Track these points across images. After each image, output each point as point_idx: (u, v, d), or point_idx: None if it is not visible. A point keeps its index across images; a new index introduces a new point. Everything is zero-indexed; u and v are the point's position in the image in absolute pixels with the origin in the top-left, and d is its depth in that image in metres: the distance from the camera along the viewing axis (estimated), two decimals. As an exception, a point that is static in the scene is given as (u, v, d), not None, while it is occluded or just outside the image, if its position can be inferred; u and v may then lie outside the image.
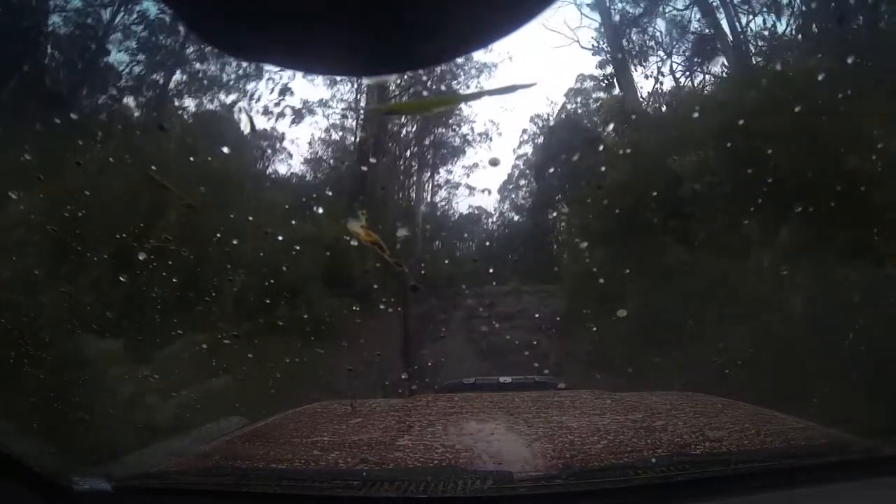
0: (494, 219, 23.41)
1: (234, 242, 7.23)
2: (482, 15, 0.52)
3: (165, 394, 5.03)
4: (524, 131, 22.26)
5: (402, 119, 16.70)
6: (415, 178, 20.00)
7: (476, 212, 22.95)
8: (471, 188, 21.69)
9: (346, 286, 9.26)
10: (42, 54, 12.54)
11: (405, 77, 14.32)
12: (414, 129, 18.07)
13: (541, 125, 21.31)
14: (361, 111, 15.67)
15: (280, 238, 7.79)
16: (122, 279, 5.96)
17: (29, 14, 12.22)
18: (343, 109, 16.47)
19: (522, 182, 22.46)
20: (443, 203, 21.82)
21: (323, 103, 16.74)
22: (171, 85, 14.49)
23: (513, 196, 23.08)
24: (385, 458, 1.41)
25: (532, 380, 3.00)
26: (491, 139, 20.02)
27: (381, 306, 8.75)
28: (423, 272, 12.84)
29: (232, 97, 15.30)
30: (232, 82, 15.06)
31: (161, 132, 10.94)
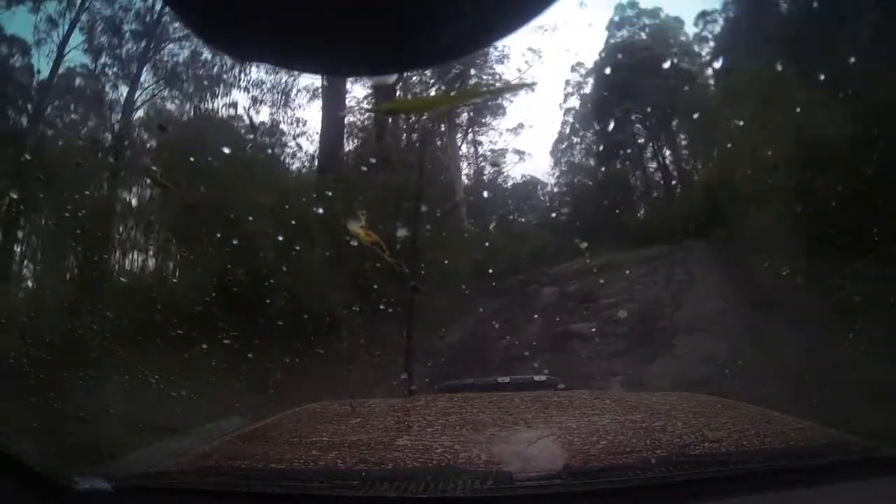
0: (552, 183, 20.99)
1: (235, 242, 7.24)
2: (485, 13, 0.52)
3: (165, 394, 5.03)
4: (567, 82, 20.30)
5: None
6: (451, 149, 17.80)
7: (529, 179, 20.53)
8: (520, 153, 19.48)
9: (360, 286, 8.76)
10: (40, 53, 12.57)
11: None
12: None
13: (584, 72, 19.37)
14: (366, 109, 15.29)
15: (283, 238, 7.76)
16: (122, 279, 5.97)
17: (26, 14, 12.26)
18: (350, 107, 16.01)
19: (576, 138, 20.56)
20: (492, 173, 19.70)
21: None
22: (172, 84, 14.48)
23: (569, 152, 20.88)
24: (384, 457, 1.41)
25: (531, 379, 2.99)
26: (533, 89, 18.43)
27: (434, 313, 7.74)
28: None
29: (234, 95, 15.21)
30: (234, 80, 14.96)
31: (161, 132, 10.97)
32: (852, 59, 6.19)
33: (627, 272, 8.07)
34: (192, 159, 8.84)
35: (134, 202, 10.47)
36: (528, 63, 16.44)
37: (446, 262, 8.91)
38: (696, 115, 13.61)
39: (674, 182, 17.99)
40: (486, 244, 12.22)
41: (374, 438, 1.67)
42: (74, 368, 4.94)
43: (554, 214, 18.68)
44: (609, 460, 1.32)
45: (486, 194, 18.57)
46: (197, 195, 8.03)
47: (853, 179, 5.94)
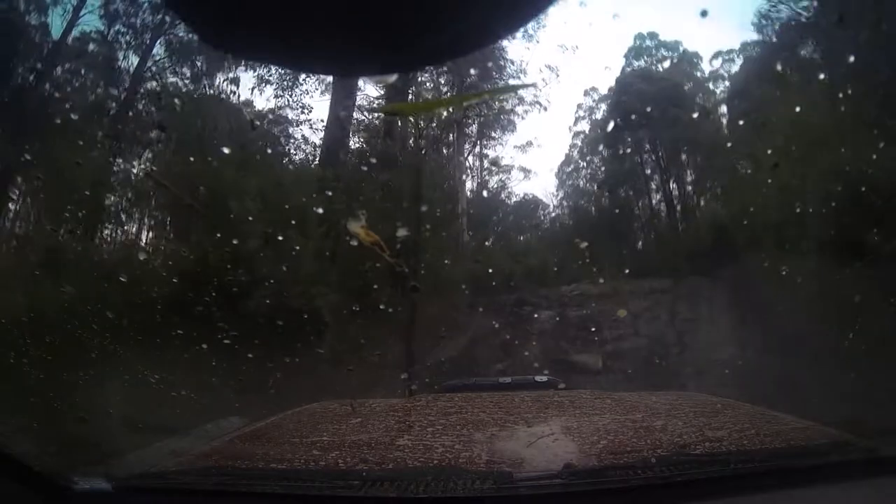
0: (554, 204, 21.10)
1: (234, 242, 7.23)
2: (483, 14, 0.52)
3: (165, 394, 5.03)
4: (579, 106, 20.59)
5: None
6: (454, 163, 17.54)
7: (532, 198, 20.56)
8: (526, 171, 19.51)
9: (364, 286, 8.27)
10: (40, 53, 12.56)
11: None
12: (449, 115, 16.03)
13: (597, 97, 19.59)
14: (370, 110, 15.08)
15: (283, 238, 7.73)
16: (122, 279, 5.96)
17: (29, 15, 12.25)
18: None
19: (583, 162, 20.78)
20: (496, 188, 19.59)
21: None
22: (171, 83, 14.44)
23: (574, 176, 21.08)
24: (385, 457, 1.41)
25: (532, 379, 2.99)
26: (545, 108, 17.93)
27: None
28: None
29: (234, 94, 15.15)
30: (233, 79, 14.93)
31: (161, 131, 10.96)
32: (851, 59, 6.31)
33: (627, 297, 8.20)
34: (191, 158, 8.85)
35: (133, 200, 10.48)
36: (544, 80, 16.50)
37: (443, 265, 8.93)
38: (705, 148, 13.73)
39: (678, 214, 18.04)
40: (482, 258, 12.21)
41: (375, 438, 1.67)
42: (74, 368, 4.94)
43: (553, 233, 18.80)
44: (610, 460, 1.32)
45: (487, 207, 18.48)
46: (196, 194, 8.03)
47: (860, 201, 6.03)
